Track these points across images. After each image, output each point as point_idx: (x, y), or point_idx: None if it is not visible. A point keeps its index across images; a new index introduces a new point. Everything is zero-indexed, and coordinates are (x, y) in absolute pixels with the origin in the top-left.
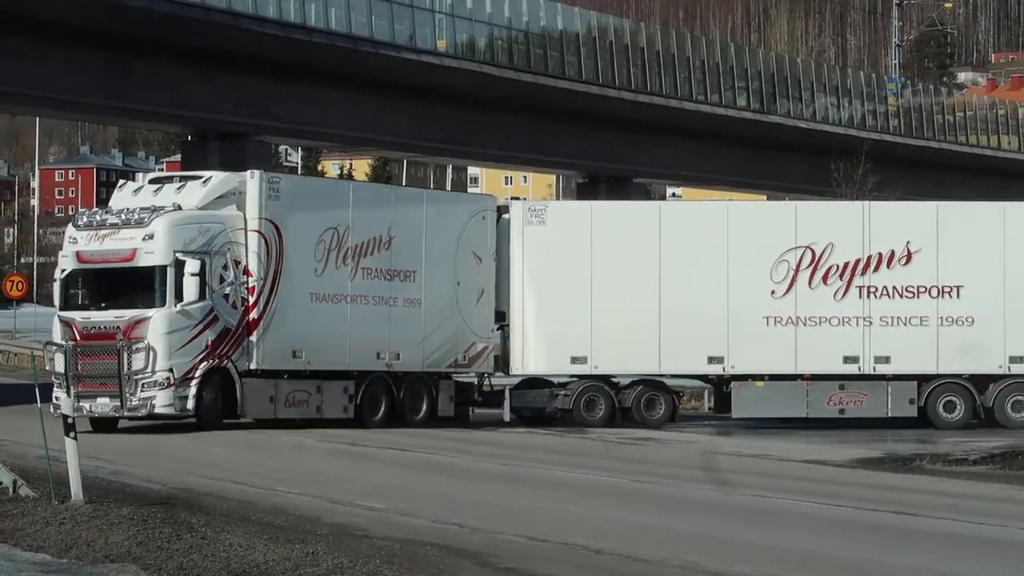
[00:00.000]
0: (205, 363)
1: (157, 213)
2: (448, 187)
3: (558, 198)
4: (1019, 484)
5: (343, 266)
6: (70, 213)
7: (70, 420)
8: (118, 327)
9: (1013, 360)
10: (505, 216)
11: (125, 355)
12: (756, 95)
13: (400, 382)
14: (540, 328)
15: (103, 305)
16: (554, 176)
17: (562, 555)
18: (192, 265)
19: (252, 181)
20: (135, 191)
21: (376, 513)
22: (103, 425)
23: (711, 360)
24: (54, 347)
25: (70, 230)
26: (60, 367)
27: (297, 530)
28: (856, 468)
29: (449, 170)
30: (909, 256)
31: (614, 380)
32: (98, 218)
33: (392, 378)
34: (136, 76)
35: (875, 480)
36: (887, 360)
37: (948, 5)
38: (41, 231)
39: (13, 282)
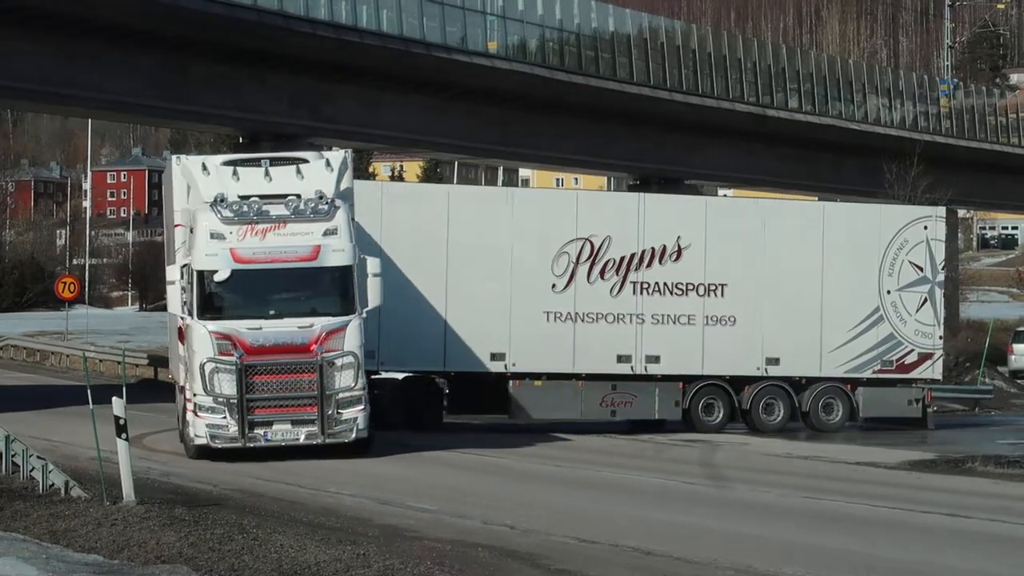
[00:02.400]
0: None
1: (334, 203)
2: None
3: None
4: None
5: None
6: (122, 215)
7: (121, 422)
8: (304, 340)
9: (769, 362)
10: None
11: (326, 371)
12: (808, 97)
13: None
14: None
15: (272, 313)
16: (605, 178)
17: (613, 557)
18: (373, 264)
19: (348, 161)
20: (233, 176)
21: (427, 514)
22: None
23: (494, 357)
24: (213, 363)
25: (212, 224)
26: (227, 388)
27: (348, 531)
28: (909, 470)
29: (500, 171)
30: (679, 252)
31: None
32: (255, 209)
33: None
34: (189, 78)
35: (927, 482)
36: (657, 360)
37: (1001, 6)
38: (93, 233)
39: (65, 283)
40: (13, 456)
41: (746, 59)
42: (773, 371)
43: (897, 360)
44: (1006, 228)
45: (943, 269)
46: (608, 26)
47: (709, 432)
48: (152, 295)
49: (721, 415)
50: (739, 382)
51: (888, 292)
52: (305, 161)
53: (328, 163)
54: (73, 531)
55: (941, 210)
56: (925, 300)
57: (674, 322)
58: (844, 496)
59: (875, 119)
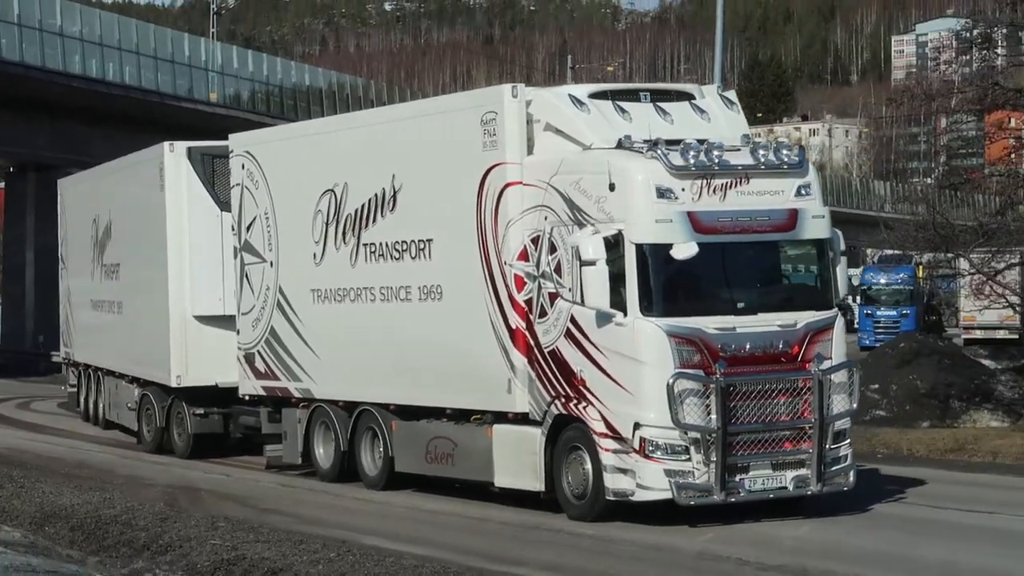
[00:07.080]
0: None
1: (804, 151)
2: None
3: None
4: None
5: None
6: None
7: None
8: (788, 344)
9: None
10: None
11: (825, 390)
12: None
13: None
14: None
15: (740, 306)
16: None
17: (310, 498)
18: (841, 239)
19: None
20: (620, 112)
21: (161, 467)
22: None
23: None
24: (684, 381)
25: (658, 175)
26: (699, 417)
27: (98, 480)
28: None
29: None
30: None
31: None
32: (716, 156)
33: None
34: None
35: None
36: None
37: (610, 68)
38: None
39: None
40: None
41: None
42: None
43: None
44: None
45: None
46: (304, 81)
47: None
48: None
49: None
50: None
51: None
52: (692, 96)
53: (728, 100)
54: None
55: None
56: None
57: None
58: None
59: None
